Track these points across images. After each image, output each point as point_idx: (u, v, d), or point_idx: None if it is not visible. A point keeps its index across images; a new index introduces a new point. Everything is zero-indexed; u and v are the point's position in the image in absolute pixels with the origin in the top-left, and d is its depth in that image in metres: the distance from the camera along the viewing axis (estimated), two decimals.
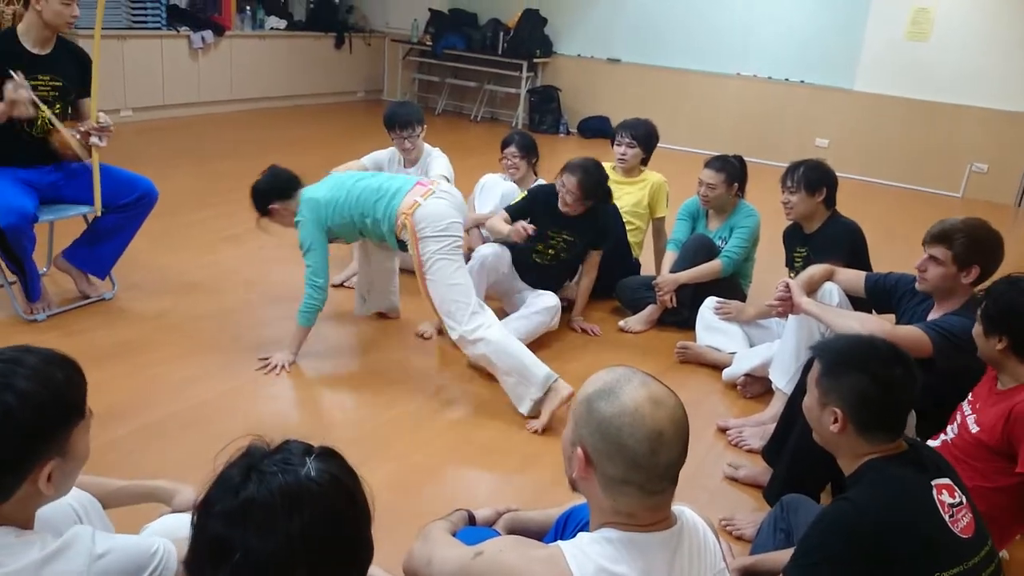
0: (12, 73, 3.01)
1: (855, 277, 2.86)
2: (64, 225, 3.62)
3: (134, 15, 7.28)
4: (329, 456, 1.11)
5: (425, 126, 4.09)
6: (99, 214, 3.37)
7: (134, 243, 3.60)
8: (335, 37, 9.39)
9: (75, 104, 3.37)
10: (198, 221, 4.82)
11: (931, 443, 2.19)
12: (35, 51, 3.18)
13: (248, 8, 8.52)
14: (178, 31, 7.65)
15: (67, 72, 3.28)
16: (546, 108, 9.21)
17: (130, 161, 5.61)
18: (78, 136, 3.25)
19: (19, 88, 3.01)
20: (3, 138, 3.14)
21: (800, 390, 2.48)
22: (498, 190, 4.10)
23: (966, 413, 2.17)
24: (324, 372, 3.21)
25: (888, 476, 1.64)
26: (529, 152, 4.20)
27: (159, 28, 7.51)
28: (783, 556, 1.85)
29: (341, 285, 4.02)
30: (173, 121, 7.69)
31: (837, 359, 1.75)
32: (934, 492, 1.62)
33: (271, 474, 1.04)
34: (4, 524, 1.18)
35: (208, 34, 7.85)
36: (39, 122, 3.22)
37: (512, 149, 4.19)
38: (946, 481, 1.66)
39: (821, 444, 1.81)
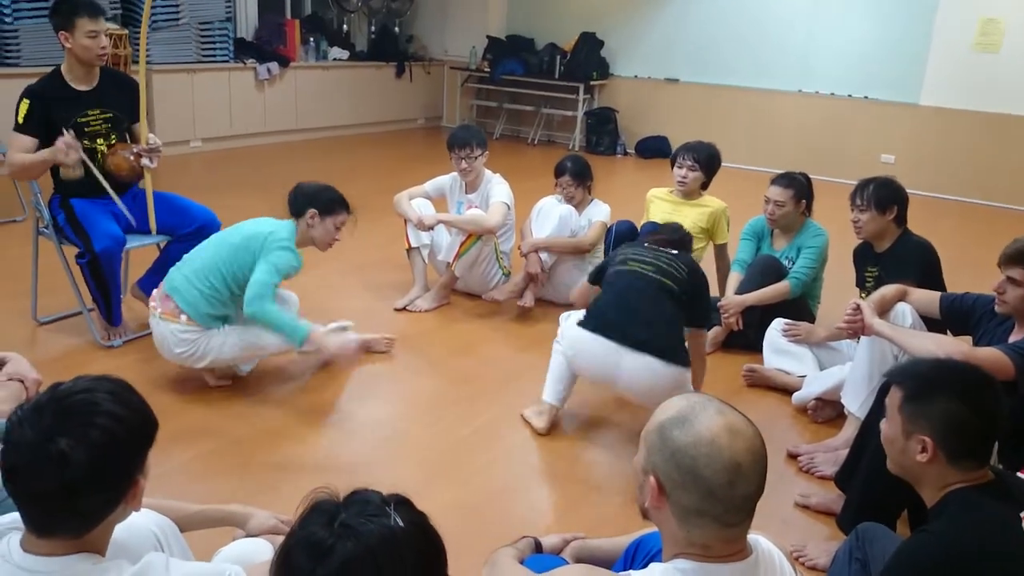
0: (65, 132, 3.12)
1: (929, 298, 2.76)
2: (138, 254, 3.74)
3: (203, 49, 7.54)
4: (405, 503, 1.10)
5: (486, 151, 4.13)
6: (154, 233, 3.45)
7: None
8: (396, 66, 9.57)
9: (129, 130, 3.47)
10: None
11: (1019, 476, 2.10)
12: (81, 88, 3.29)
13: (312, 40, 8.74)
14: (245, 63, 7.90)
15: (116, 102, 3.38)
16: (603, 130, 9.20)
17: (198, 190, 5.80)
18: (131, 157, 3.34)
19: (70, 151, 3.11)
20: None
21: (874, 414, 2.41)
22: (555, 213, 4.09)
23: None
24: (383, 398, 3.24)
25: (974, 507, 1.57)
26: (583, 178, 4.19)
27: (227, 61, 7.76)
28: None
29: (404, 309, 4.07)
30: (240, 151, 7.91)
31: (923, 384, 1.66)
32: (1023, 523, 1.55)
33: (361, 527, 1.02)
34: (84, 551, 1.21)
35: (274, 66, 8.08)
36: (99, 155, 3.34)
37: (566, 178, 4.17)
38: None
39: (900, 475, 1.72)
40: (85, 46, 3.19)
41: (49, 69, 3.36)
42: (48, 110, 3.17)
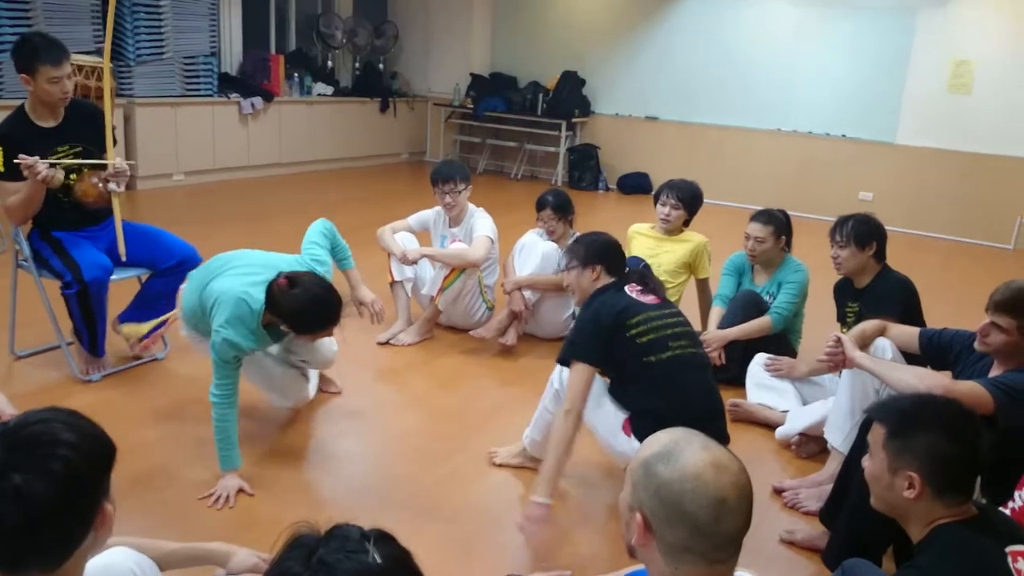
0: (17, 160, 2.99)
1: (909, 333, 2.79)
2: (115, 288, 3.70)
3: (187, 83, 7.57)
4: (386, 539, 1.08)
5: (470, 185, 4.16)
6: (123, 258, 3.37)
7: None
8: (380, 102, 9.64)
9: (100, 157, 3.37)
10: None
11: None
12: (47, 125, 3.21)
13: (296, 75, 8.81)
14: (229, 97, 7.93)
15: (83, 135, 3.30)
16: (585, 165, 9.30)
17: (181, 223, 5.78)
18: (98, 183, 3.28)
19: (35, 167, 2.99)
20: (48, 207, 3.21)
21: (857, 449, 2.42)
22: (538, 251, 4.11)
23: None
24: (367, 432, 3.21)
25: (960, 542, 1.58)
26: (565, 212, 4.22)
27: (211, 95, 7.78)
28: None
29: (387, 343, 4.05)
30: (224, 184, 7.91)
31: (906, 420, 1.67)
32: (1009, 560, 1.55)
33: (337, 563, 1.00)
34: None
35: (258, 100, 8.12)
36: (72, 188, 3.27)
37: (548, 212, 4.19)
38: (1021, 548, 1.59)
39: (886, 512, 1.72)
40: (47, 91, 3.13)
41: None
42: (19, 150, 3.08)
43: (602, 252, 2.72)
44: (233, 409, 2.69)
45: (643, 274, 2.76)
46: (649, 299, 2.60)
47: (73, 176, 3.27)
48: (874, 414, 1.77)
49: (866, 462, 1.76)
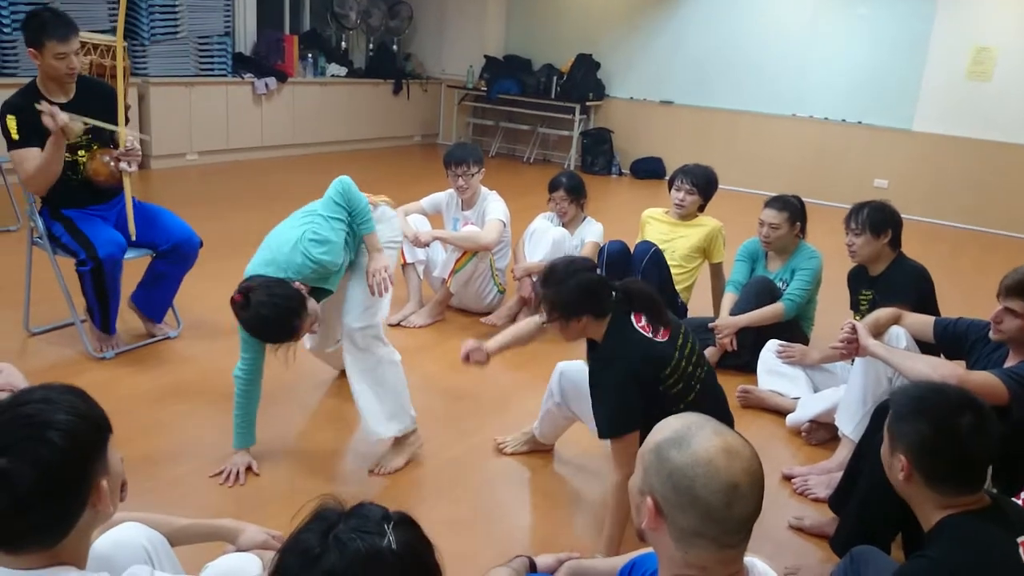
0: (38, 107, 3.03)
1: (923, 322, 2.77)
2: (128, 265, 3.71)
3: (201, 63, 7.56)
4: (406, 524, 1.08)
5: (483, 168, 4.15)
6: (133, 238, 3.38)
7: (198, 282, 3.69)
8: (393, 84, 9.61)
9: (112, 138, 3.41)
10: None
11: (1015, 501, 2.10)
12: (58, 100, 3.22)
13: (310, 56, 8.78)
14: (243, 78, 7.92)
15: (94, 111, 3.29)
16: (598, 150, 9.25)
17: (194, 202, 5.80)
18: (110, 162, 3.30)
19: (56, 115, 3.01)
20: (57, 185, 3.22)
21: (868, 437, 2.41)
22: (548, 237, 4.09)
23: None
24: None
25: (970, 532, 1.57)
26: (577, 194, 4.21)
27: (225, 75, 7.78)
28: None
29: (398, 325, 4.06)
30: (236, 165, 7.92)
31: (907, 405, 1.71)
32: (1020, 550, 1.55)
33: (350, 542, 1.01)
34: (62, 563, 1.19)
35: (271, 81, 8.11)
36: (81, 167, 3.31)
37: (560, 193, 4.19)
38: None
39: (899, 494, 1.75)
40: (53, 66, 3.14)
41: None
42: (31, 122, 3.11)
43: (581, 300, 2.29)
44: (255, 388, 2.70)
45: (631, 296, 2.33)
46: (662, 335, 2.31)
47: (82, 153, 3.28)
48: (891, 396, 1.81)
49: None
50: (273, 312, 2.45)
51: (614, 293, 2.32)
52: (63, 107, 3.22)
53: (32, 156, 3.16)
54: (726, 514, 1.19)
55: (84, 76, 3.36)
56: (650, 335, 2.28)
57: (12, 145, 3.17)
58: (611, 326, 2.29)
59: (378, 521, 1.05)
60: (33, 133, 3.12)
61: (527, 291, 4.04)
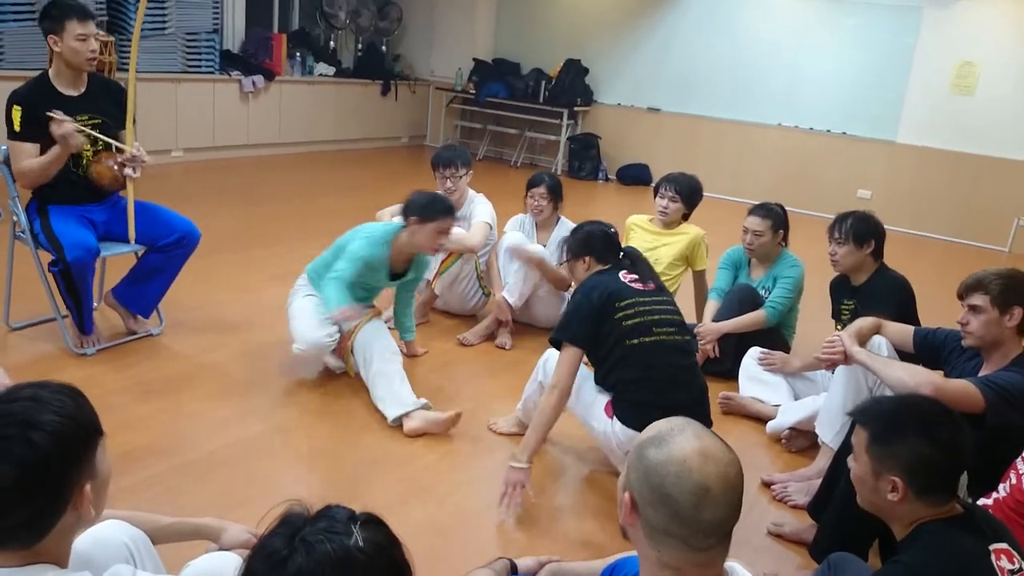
0: (50, 114, 3.06)
1: (903, 331, 2.81)
2: (114, 262, 3.70)
3: (189, 59, 7.53)
4: (374, 524, 1.08)
5: (471, 171, 4.15)
6: (132, 243, 3.41)
7: (181, 280, 3.67)
8: (381, 84, 9.60)
9: (116, 138, 3.41)
10: (244, 260, 4.91)
11: (982, 501, 2.13)
12: (69, 93, 3.24)
13: (298, 55, 8.77)
14: (230, 75, 7.89)
15: (103, 108, 3.33)
16: (585, 155, 9.29)
17: (179, 199, 5.77)
18: (114, 166, 3.31)
19: (63, 124, 3.05)
20: (55, 179, 3.22)
21: (847, 445, 2.43)
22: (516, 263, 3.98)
23: (1021, 471, 2.11)
24: (360, 413, 3.22)
25: (945, 540, 1.59)
26: (556, 195, 4.21)
27: (212, 72, 7.75)
28: None
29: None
30: (222, 162, 7.88)
31: (888, 425, 1.69)
32: (992, 557, 1.57)
33: (318, 543, 1.01)
34: (42, 561, 1.19)
35: (259, 79, 8.08)
36: (84, 161, 3.31)
37: (541, 190, 4.16)
38: (1004, 546, 1.60)
39: (871, 511, 1.76)
40: (74, 49, 3.16)
41: (34, 73, 3.32)
42: (39, 114, 3.12)
43: (588, 242, 2.85)
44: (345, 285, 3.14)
45: (634, 260, 2.82)
46: (640, 285, 2.70)
47: (87, 148, 3.27)
48: (857, 417, 1.78)
49: (851, 463, 1.78)
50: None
51: (622, 254, 2.81)
52: (74, 101, 3.25)
53: (28, 152, 3.15)
54: (694, 515, 1.20)
55: (94, 73, 3.37)
56: (627, 281, 2.68)
57: (12, 135, 3.17)
58: (605, 271, 2.75)
59: (345, 522, 1.05)
60: (36, 129, 3.12)
61: (504, 315, 4.02)
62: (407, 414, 3.04)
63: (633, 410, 2.57)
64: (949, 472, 1.64)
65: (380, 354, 3.21)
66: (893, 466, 1.66)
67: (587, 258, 2.82)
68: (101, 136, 3.27)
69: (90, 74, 3.34)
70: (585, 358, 2.67)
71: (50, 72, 3.25)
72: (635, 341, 2.58)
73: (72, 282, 3.26)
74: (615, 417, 2.62)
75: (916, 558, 1.59)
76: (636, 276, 2.72)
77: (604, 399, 2.68)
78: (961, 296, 2.46)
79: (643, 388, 2.58)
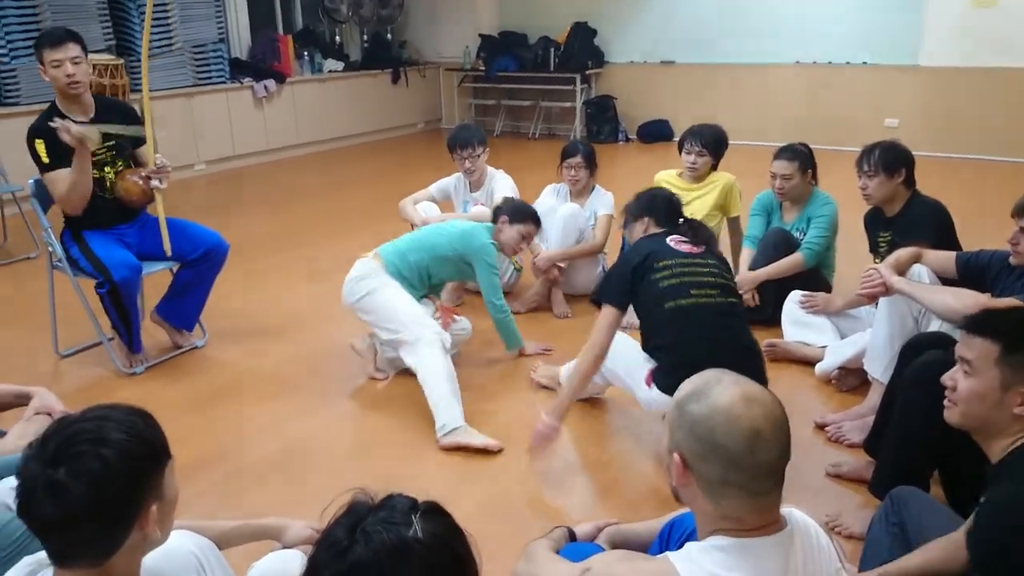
0: (52, 124, 3.08)
1: (944, 258, 2.74)
2: (150, 280, 3.76)
3: (199, 72, 7.58)
4: (435, 513, 1.09)
5: (487, 148, 4.13)
6: (168, 254, 3.45)
7: (219, 290, 3.72)
8: (391, 73, 9.59)
9: (134, 155, 3.46)
10: (278, 264, 4.96)
11: None
12: (79, 119, 3.26)
13: (306, 54, 8.78)
14: (241, 82, 7.94)
15: (114, 124, 3.34)
16: (603, 118, 9.19)
17: (205, 211, 5.84)
18: (140, 181, 3.35)
19: (69, 127, 3.06)
20: (85, 205, 3.27)
21: (898, 378, 2.40)
22: (558, 217, 3.99)
23: None
24: (405, 400, 3.25)
25: None
26: (592, 163, 4.17)
27: (223, 82, 7.80)
28: (913, 561, 1.78)
29: None
30: (244, 170, 7.96)
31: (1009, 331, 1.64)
32: None
33: (376, 534, 1.03)
34: None
35: (270, 83, 8.12)
36: (108, 184, 3.35)
37: (578, 159, 4.12)
38: None
39: (971, 428, 1.71)
40: (53, 76, 3.19)
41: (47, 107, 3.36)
42: (59, 140, 3.14)
43: (652, 205, 2.87)
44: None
45: (693, 225, 2.77)
46: (687, 248, 2.61)
47: (108, 169, 3.32)
48: (977, 330, 1.69)
49: (963, 380, 1.70)
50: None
51: (682, 220, 2.81)
52: (84, 127, 3.26)
53: (63, 177, 3.22)
54: (750, 460, 1.20)
55: (102, 96, 3.39)
56: (673, 244, 2.62)
57: (44, 168, 3.24)
58: (657, 234, 2.72)
59: (405, 512, 1.06)
60: (63, 154, 3.17)
61: (553, 275, 4.02)
62: (452, 430, 2.90)
63: (670, 377, 2.44)
64: None
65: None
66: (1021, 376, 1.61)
67: (647, 219, 2.83)
68: (111, 127, 3.28)
69: (96, 97, 3.37)
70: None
71: (56, 101, 3.29)
72: (671, 304, 2.49)
73: (120, 301, 3.33)
74: (653, 385, 2.56)
75: (1015, 489, 1.55)
76: (688, 240, 2.65)
77: (648, 367, 2.61)
78: (1015, 214, 2.38)
79: (676, 353, 2.48)
